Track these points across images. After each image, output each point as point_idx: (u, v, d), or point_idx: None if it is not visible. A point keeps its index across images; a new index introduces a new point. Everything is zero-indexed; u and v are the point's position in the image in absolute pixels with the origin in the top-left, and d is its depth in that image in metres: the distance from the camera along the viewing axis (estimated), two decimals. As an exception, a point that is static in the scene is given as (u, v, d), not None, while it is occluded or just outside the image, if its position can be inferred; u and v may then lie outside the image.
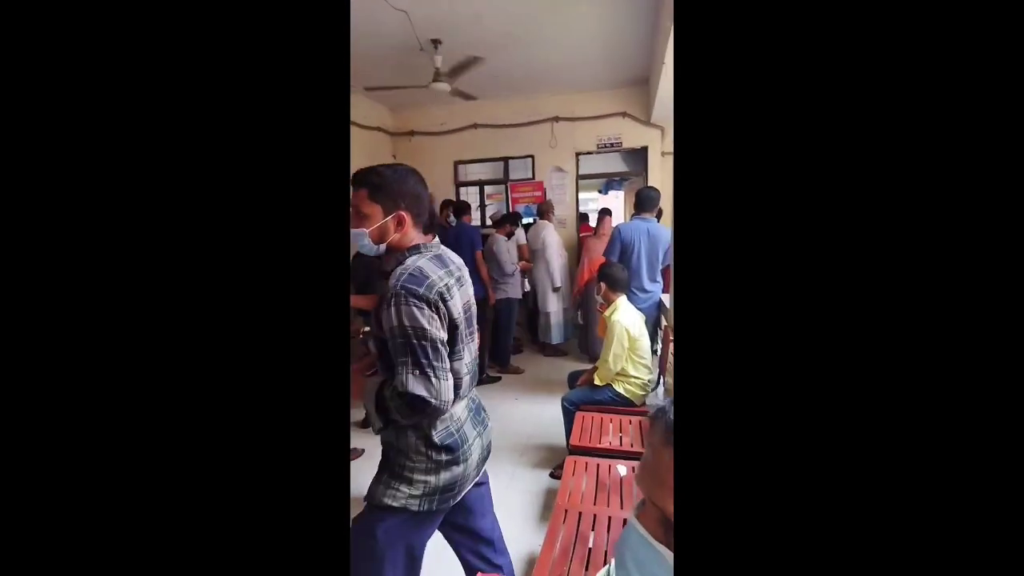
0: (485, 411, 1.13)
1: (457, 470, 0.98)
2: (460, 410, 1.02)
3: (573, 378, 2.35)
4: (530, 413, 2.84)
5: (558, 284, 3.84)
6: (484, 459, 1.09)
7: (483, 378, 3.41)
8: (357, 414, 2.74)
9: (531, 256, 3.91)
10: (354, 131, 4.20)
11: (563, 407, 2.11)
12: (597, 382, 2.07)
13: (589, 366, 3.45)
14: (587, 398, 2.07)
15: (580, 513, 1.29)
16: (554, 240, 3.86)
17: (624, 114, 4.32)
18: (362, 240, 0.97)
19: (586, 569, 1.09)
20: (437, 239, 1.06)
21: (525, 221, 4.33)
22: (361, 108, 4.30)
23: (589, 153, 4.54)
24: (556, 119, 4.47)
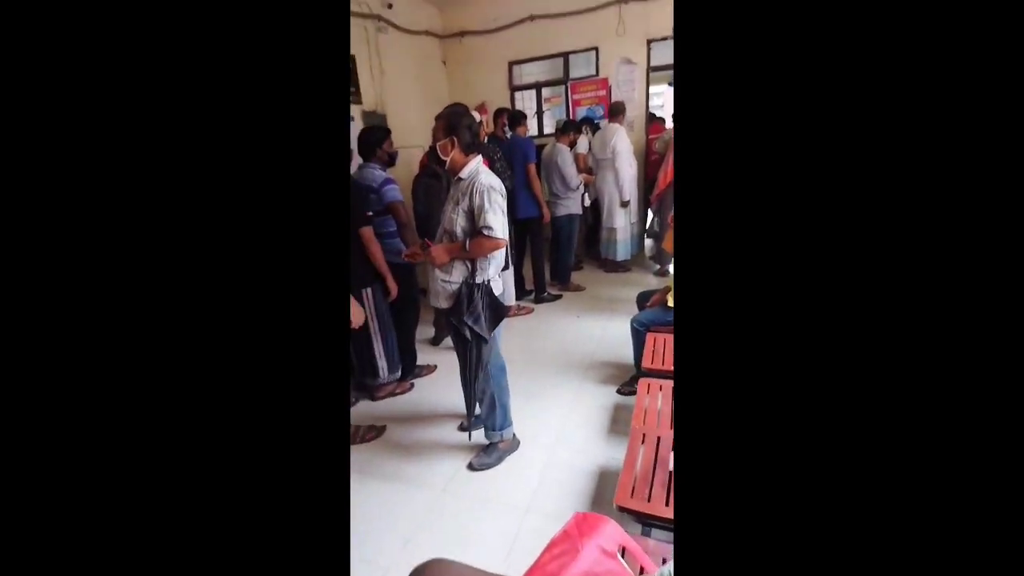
0: None
1: None
2: None
3: (643, 298, 2.25)
4: (593, 331, 2.83)
5: (627, 198, 3.55)
6: None
7: (544, 296, 3.40)
8: (427, 331, 2.87)
9: (597, 165, 3.62)
10: (401, 37, 3.92)
11: (632, 328, 2.05)
12: (670, 303, 1.97)
13: (655, 284, 3.32)
14: (659, 319, 1.99)
15: (659, 437, 1.29)
16: (626, 147, 3.47)
17: (707, -14, 3.62)
18: None
19: (668, 493, 1.10)
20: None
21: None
22: (407, 10, 3.94)
23: (664, 39, 3.92)
24: (625, 0, 3.85)
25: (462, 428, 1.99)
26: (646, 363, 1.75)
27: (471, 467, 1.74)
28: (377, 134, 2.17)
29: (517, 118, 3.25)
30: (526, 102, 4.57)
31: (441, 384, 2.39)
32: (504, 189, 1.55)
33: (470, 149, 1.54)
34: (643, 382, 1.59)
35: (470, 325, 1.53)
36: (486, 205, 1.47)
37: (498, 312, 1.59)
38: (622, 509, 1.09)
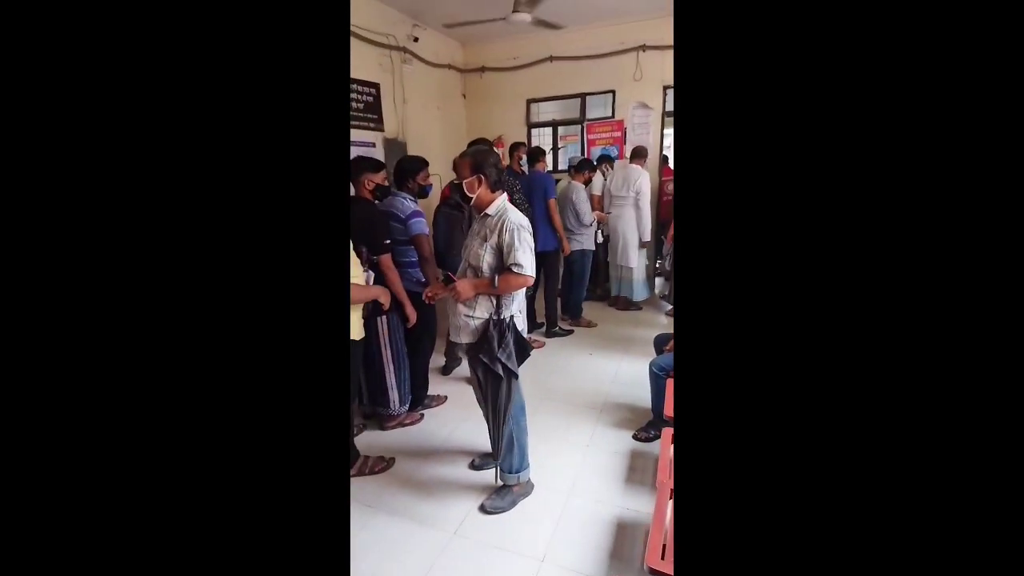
0: None
1: None
2: None
3: (661, 342, 2.24)
4: (606, 370, 2.81)
5: (647, 238, 3.62)
6: None
7: (555, 330, 3.38)
8: (438, 360, 2.84)
9: (612, 203, 3.67)
10: (425, 69, 4.04)
11: (651, 372, 2.03)
12: (691, 349, 1.95)
13: (667, 323, 3.29)
14: (678, 364, 1.98)
15: (687, 493, 1.25)
16: (648, 189, 3.60)
17: (723, 39, 3.77)
18: None
19: (701, 556, 1.06)
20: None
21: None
22: (431, 44, 4.08)
23: (678, 87, 4.06)
24: (643, 48, 4.00)
25: (473, 466, 1.94)
26: (669, 412, 1.72)
27: (483, 510, 1.69)
28: (414, 164, 2.17)
29: (536, 155, 3.32)
30: (542, 139, 4.67)
31: (451, 416, 2.34)
32: (530, 226, 1.57)
33: (496, 186, 1.56)
34: (666, 432, 1.57)
35: (503, 362, 1.51)
36: (516, 243, 1.48)
37: (524, 347, 1.58)
38: (653, 571, 1.05)
